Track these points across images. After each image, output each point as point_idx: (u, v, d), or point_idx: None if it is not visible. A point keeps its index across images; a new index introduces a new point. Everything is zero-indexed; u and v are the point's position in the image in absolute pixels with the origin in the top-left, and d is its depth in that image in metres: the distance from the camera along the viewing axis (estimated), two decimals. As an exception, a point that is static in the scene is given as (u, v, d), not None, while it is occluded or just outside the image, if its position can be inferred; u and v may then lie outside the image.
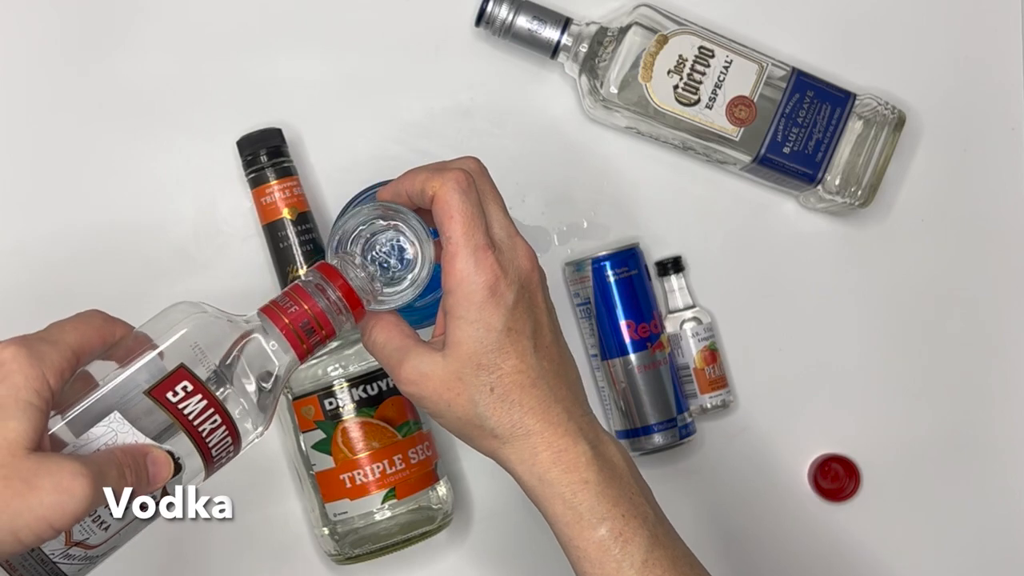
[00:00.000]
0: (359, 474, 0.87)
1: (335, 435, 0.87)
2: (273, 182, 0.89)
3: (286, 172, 0.89)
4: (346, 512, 0.87)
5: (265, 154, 0.89)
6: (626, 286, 0.92)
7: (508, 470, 0.69)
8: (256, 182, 0.89)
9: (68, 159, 0.93)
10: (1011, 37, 0.99)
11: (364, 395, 0.87)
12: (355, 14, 0.95)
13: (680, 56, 0.90)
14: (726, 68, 0.90)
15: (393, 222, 0.69)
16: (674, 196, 0.97)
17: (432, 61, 0.95)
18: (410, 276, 0.70)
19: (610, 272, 0.92)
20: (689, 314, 0.95)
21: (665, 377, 0.93)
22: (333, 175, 0.94)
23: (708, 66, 0.90)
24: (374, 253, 0.70)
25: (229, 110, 0.93)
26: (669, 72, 0.90)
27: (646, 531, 0.67)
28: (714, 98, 0.90)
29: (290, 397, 0.88)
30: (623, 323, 0.92)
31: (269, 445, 0.92)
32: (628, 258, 0.93)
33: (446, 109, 0.95)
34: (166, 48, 0.94)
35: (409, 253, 0.69)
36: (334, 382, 0.87)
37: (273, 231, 0.89)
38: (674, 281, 0.95)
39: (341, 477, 0.87)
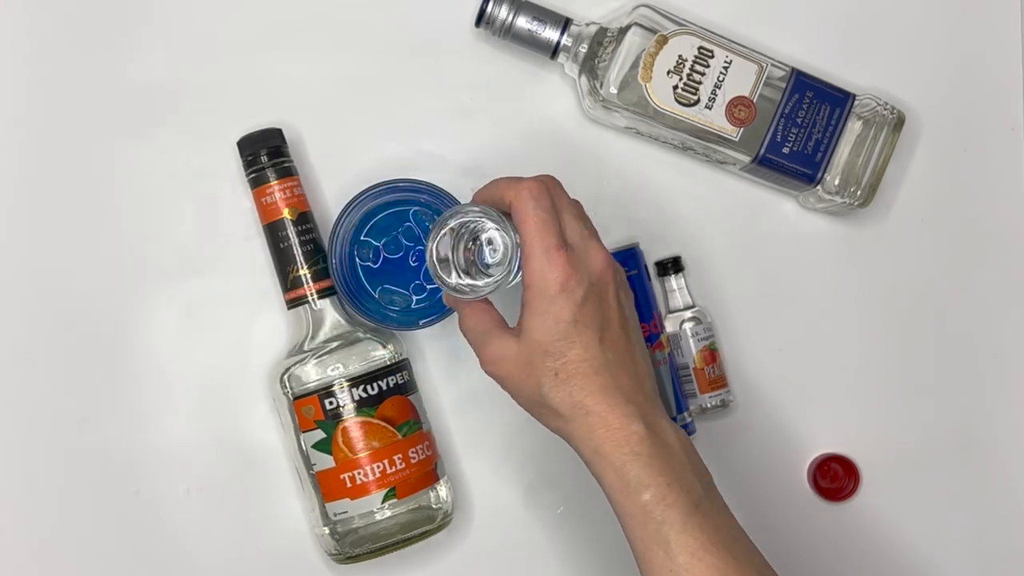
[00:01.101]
0: (359, 474, 0.87)
1: (335, 435, 0.87)
2: (274, 182, 0.89)
3: (287, 172, 0.89)
4: (346, 512, 0.87)
5: (266, 154, 0.89)
6: (626, 286, 0.92)
7: (572, 446, 0.75)
8: (257, 182, 0.89)
9: (68, 159, 0.93)
10: (1011, 37, 0.99)
11: (364, 395, 0.87)
12: (355, 14, 0.95)
13: (680, 56, 0.90)
14: (726, 68, 0.90)
15: (483, 219, 0.76)
16: (674, 196, 0.97)
17: (432, 61, 0.96)
18: (500, 267, 0.76)
19: (610, 272, 0.92)
20: (689, 314, 0.95)
21: (665, 377, 0.93)
22: (333, 175, 0.94)
23: (708, 66, 0.90)
24: (467, 246, 0.77)
25: (229, 110, 0.93)
26: (669, 72, 0.90)
27: (689, 499, 0.72)
28: (714, 98, 0.90)
29: (290, 397, 0.88)
30: (623, 323, 0.92)
31: (269, 445, 0.93)
32: (628, 258, 0.93)
33: (446, 109, 0.96)
34: (166, 48, 0.94)
35: (498, 245, 0.76)
36: (334, 382, 0.87)
37: (273, 231, 0.89)
38: (674, 281, 0.95)
39: (341, 477, 0.87)
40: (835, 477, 0.97)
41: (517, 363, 0.74)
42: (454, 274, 0.76)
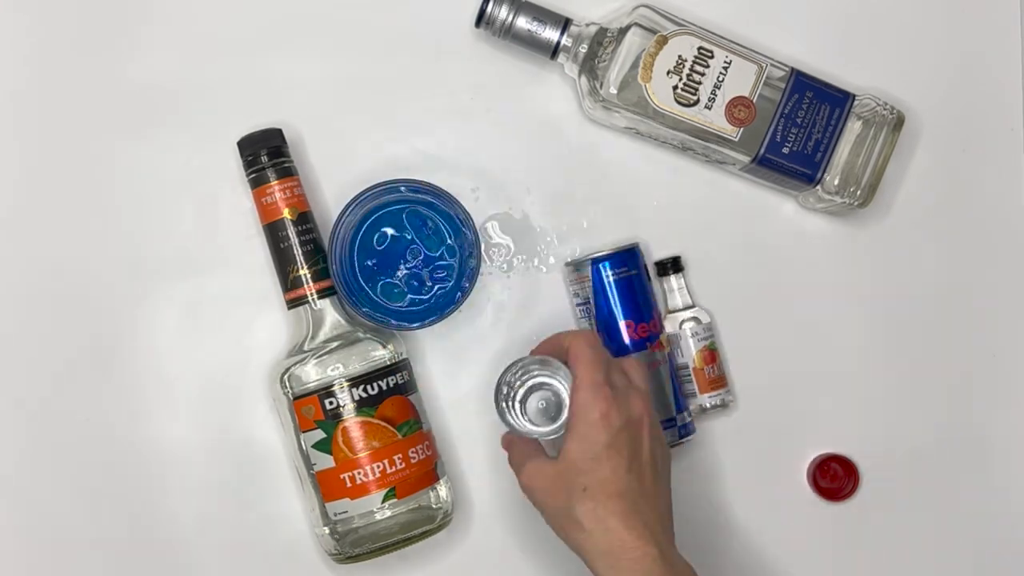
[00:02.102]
0: (359, 473, 0.87)
1: (335, 434, 0.87)
2: (274, 182, 0.89)
3: (287, 172, 0.89)
4: (346, 511, 0.87)
5: (266, 154, 0.89)
6: (626, 286, 0.92)
7: (588, 561, 0.80)
8: (257, 182, 0.89)
9: (69, 158, 0.94)
10: (1011, 37, 0.99)
11: (364, 395, 0.87)
12: (356, 15, 0.95)
13: (679, 57, 0.90)
14: (725, 68, 0.90)
15: (547, 371, 0.86)
16: (674, 196, 0.97)
17: (432, 61, 0.96)
18: (561, 417, 0.84)
19: (610, 272, 0.92)
20: (688, 314, 0.95)
21: (664, 377, 0.93)
22: (333, 175, 0.94)
23: (707, 67, 0.90)
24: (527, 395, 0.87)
25: (229, 110, 0.93)
26: (668, 73, 0.90)
27: None
28: (713, 98, 0.90)
29: (290, 397, 0.88)
30: (622, 323, 0.92)
31: (269, 444, 0.93)
32: (628, 258, 0.93)
33: (446, 109, 0.96)
34: (167, 48, 0.94)
35: (563, 397, 0.85)
36: (334, 382, 0.87)
37: (274, 231, 0.89)
38: (673, 281, 0.96)
39: (341, 476, 0.87)
40: (835, 477, 0.97)
41: (552, 478, 0.82)
42: (520, 418, 0.86)
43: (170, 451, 0.93)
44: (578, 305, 0.94)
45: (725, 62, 0.90)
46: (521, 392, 0.86)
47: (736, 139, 0.91)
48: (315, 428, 0.87)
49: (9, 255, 0.93)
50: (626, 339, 0.92)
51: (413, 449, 0.88)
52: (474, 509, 0.95)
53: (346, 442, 0.87)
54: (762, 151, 0.91)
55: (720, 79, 0.90)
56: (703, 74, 0.90)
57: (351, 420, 0.87)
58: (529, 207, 0.96)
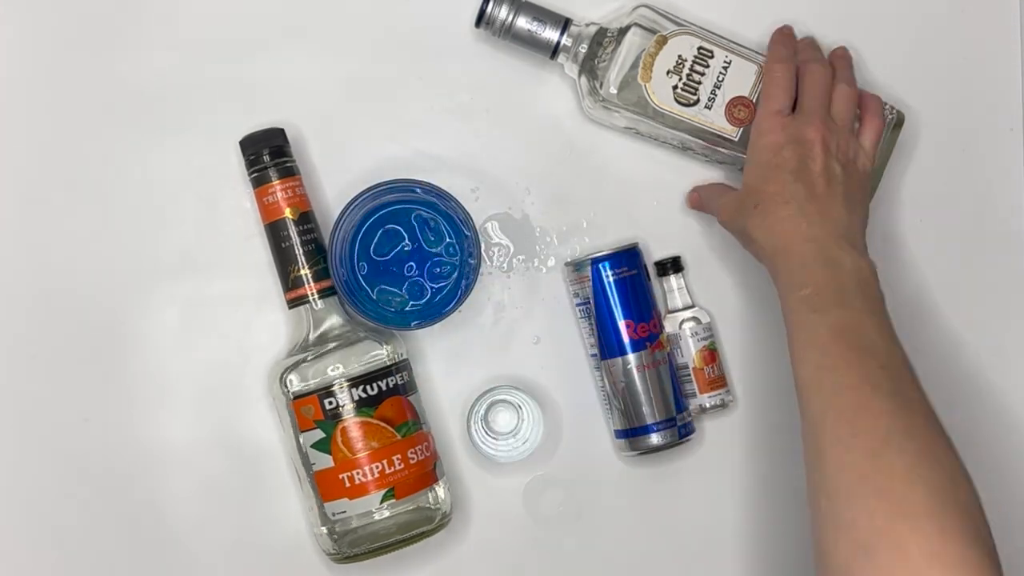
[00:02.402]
0: (358, 473, 0.87)
1: (335, 434, 0.87)
2: (276, 182, 0.89)
3: (289, 172, 0.90)
4: (345, 511, 0.87)
5: (268, 154, 0.89)
6: (625, 286, 0.92)
7: (769, 270, 0.86)
8: (259, 182, 0.89)
9: (69, 158, 0.94)
10: (1011, 37, 0.99)
11: (364, 395, 0.87)
12: (356, 14, 0.95)
13: (679, 56, 0.90)
14: (725, 68, 0.90)
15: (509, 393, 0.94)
16: (674, 196, 0.97)
17: (432, 61, 0.96)
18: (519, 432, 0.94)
19: (609, 272, 0.92)
20: (688, 314, 0.95)
21: (664, 377, 0.93)
22: (334, 175, 0.94)
23: (707, 66, 0.90)
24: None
25: (230, 110, 0.93)
26: (668, 72, 0.90)
27: (844, 306, 0.81)
28: (713, 98, 0.90)
29: (290, 396, 0.88)
30: (622, 323, 0.92)
31: (268, 444, 0.93)
32: (627, 258, 0.93)
33: (446, 109, 0.96)
34: (168, 47, 0.94)
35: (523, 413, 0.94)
36: (334, 382, 0.87)
37: (275, 231, 0.89)
38: (673, 281, 0.95)
39: (340, 476, 0.87)
40: (835, 477, 0.96)
41: (735, 205, 0.89)
42: (484, 434, 0.93)
43: (170, 451, 0.93)
44: (578, 305, 0.94)
45: (725, 62, 0.90)
46: (483, 409, 0.92)
47: (736, 139, 0.91)
48: (314, 428, 0.87)
49: (9, 255, 0.93)
50: (626, 339, 0.92)
51: (412, 449, 0.88)
52: (473, 509, 0.95)
53: (345, 442, 0.87)
54: None
55: (720, 79, 0.90)
56: (703, 74, 0.90)
57: (350, 420, 0.87)
58: (529, 207, 0.96)
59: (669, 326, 0.95)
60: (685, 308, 0.95)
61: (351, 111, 0.95)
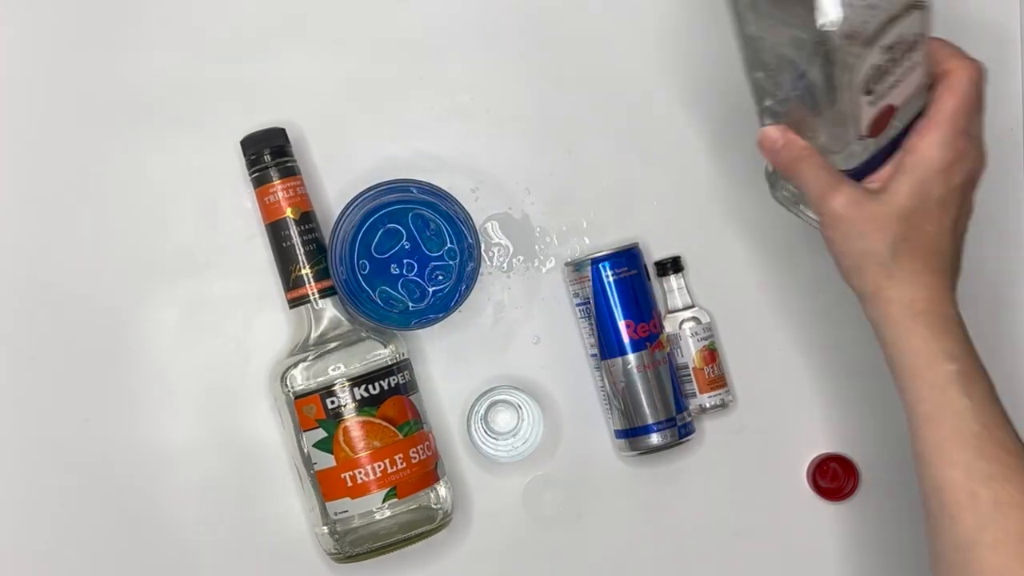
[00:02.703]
0: (360, 473, 0.87)
1: (336, 434, 0.87)
2: (277, 182, 0.89)
3: (290, 172, 0.90)
4: (346, 511, 0.87)
5: (269, 154, 0.89)
6: (625, 286, 0.92)
7: (875, 306, 0.77)
8: (260, 181, 0.89)
9: (70, 158, 0.94)
10: (1011, 38, 0.99)
11: (366, 394, 0.87)
12: (356, 14, 0.95)
13: (899, 35, 0.74)
14: (908, 72, 0.77)
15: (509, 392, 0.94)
16: (674, 196, 0.97)
17: (432, 61, 0.96)
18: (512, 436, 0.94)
19: (609, 272, 0.92)
20: (688, 314, 0.95)
21: (664, 377, 0.93)
22: (335, 175, 0.94)
23: (908, 61, 0.77)
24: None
25: (230, 110, 0.93)
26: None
27: (990, 387, 0.75)
28: (881, 95, 0.76)
29: (291, 396, 0.88)
30: (622, 323, 0.92)
31: (270, 444, 0.93)
32: (627, 258, 0.93)
33: (446, 109, 0.96)
34: (169, 47, 0.94)
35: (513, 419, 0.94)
36: (335, 381, 0.87)
37: (276, 230, 0.89)
38: (673, 281, 0.96)
39: (342, 476, 0.87)
40: (834, 477, 0.97)
41: (873, 217, 0.75)
42: (484, 434, 0.94)
43: (170, 450, 0.93)
44: (578, 305, 0.94)
45: (913, 64, 0.77)
46: (483, 409, 0.93)
47: (861, 134, 0.77)
48: (316, 427, 0.87)
49: (9, 255, 0.93)
50: (626, 339, 0.92)
51: (414, 449, 0.88)
52: (474, 509, 0.95)
53: (347, 441, 0.87)
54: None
55: (898, 81, 0.76)
56: (900, 65, 0.76)
57: (352, 420, 0.87)
58: (529, 207, 0.96)
59: (669, 326, 0.95)
60: (685, 308, 0.95)
61: (351, 111, 0.95)
